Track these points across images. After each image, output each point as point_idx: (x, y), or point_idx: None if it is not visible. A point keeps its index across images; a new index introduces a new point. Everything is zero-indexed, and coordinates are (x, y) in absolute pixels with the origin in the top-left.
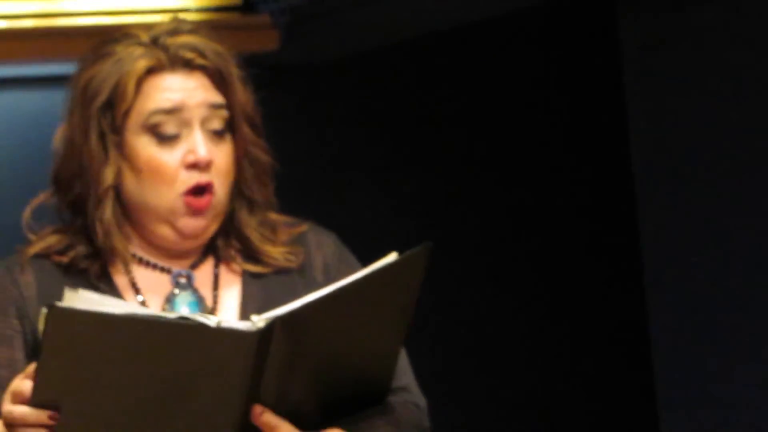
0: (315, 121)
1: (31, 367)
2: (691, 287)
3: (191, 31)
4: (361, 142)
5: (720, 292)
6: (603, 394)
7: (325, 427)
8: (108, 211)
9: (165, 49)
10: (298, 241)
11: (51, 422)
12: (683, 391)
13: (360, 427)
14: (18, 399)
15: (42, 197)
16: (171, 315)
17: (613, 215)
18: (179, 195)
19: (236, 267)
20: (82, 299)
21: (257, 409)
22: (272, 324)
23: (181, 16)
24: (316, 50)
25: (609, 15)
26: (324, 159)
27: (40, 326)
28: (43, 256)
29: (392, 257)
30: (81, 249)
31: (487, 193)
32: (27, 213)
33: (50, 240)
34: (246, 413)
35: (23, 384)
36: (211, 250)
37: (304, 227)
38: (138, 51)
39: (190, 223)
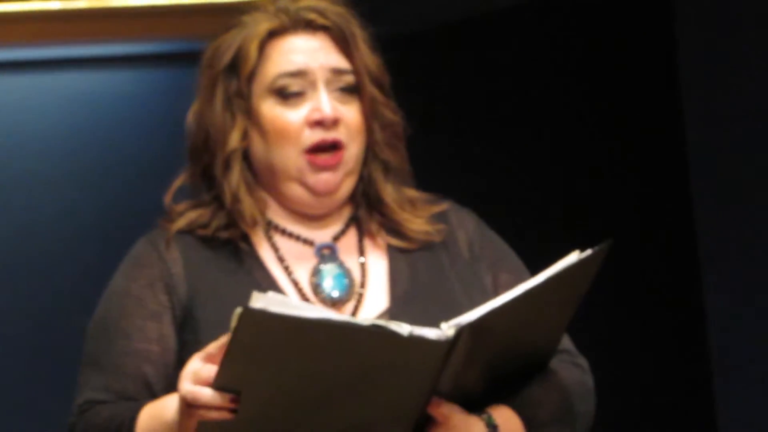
0: None
1: (212, 347)
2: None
3: None
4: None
5: None
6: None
7: (490, 404)
8: (236, 174)
9: (286, 12)
10: (439, 218)
11: (231, 405)
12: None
13: (525, 402)
14: (200, 381)
15: (182, 177)
16: (364, 322)
17: (667, 208)
18: (302, 152)
19: (380, 241)
20: (270, 301)
21: (434, 401)
22: (460, 331)
23: None
24: None
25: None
26: None
27: (232, 323)
28: (185, 231)
29: (574, 256)
30: (221, 219)
31: (534, 182)
32: (170, 193)
33: (191, 215)
34: (424, 407)
35: (206, 368)
36: (353, 221)
37: (445, 205)
38: (260, 17)
39: (321, 179)
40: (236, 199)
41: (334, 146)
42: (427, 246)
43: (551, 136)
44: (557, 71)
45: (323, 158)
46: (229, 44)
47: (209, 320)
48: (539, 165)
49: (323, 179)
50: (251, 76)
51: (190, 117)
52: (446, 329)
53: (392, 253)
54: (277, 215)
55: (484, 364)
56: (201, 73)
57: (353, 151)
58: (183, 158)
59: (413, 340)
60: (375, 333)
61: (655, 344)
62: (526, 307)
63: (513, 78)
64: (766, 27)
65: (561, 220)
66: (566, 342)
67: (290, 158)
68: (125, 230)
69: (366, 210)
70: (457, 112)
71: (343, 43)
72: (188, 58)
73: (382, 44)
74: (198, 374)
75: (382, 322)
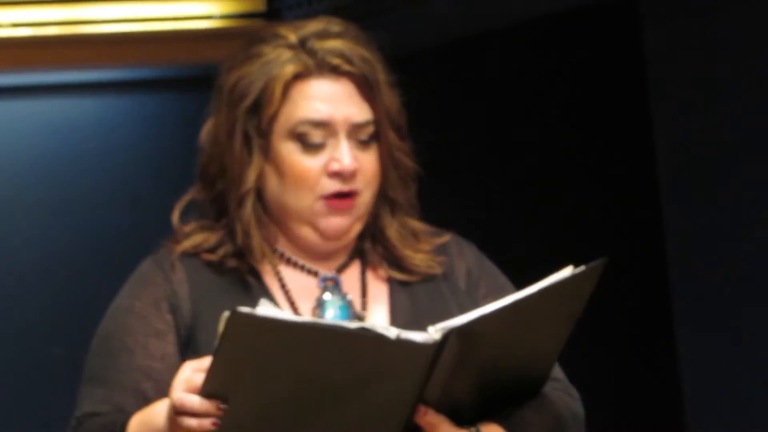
0: None
1: (206, 361)
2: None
3: (339, 35)
4: None
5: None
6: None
7: (481, 421)
8: (248, 211)
9: (312, 54)
10: (440, 250)
11: (218, 412)
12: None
13: (516, 421)
14: (190, 389)
15: (190, 194)
16: (351, 324)
17: (638, 221)
18: (319, 198)
19: (382, 273)
20: (259, 309)
21: (422, 409)
22: (447, 335)
23: (206, 23)
24: None
25: (634, 20)
26: None
27: (220, 327)
28: (191, 254)
29: (568, 271)
30: (228, 247)
31: (500, 191)
32: (176, 212)
33: (198, 238)
34: (410, 414)
35: (195, 376)
36: (357, 254)
37: (447, 237)
38: (286, 54)
39: (332, 223)
40: (247, 234)
41: (348, 195)
42: (428, 278)
43: (519, 160)
44: (528, 95)
45: (338, 202)
46: (251, 80)
47: (211, 343)
48: (510, 192)
49: (335, 224)
50: (273, 117)
51: (204, 137)
52: (433, 333)
53: (393, 285)
54: (284, 246)
55: (474, 375)
56: (217, 98)
57: (366, 197)
58: (153, 183)
59: (400, 342)
60: (362, 335)
61: (628, 377)
62: (516, 318)
63: (488, 101)
64: (735, 42)
65: (533, 245)
66: (558, 371)
67: (305, 202)
68: (98, 256)
69: (370, 243)
70: (434, 134)
71: (367, 89)
72: (163, 85)
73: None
74: (189, 382)
75: (368, 325)
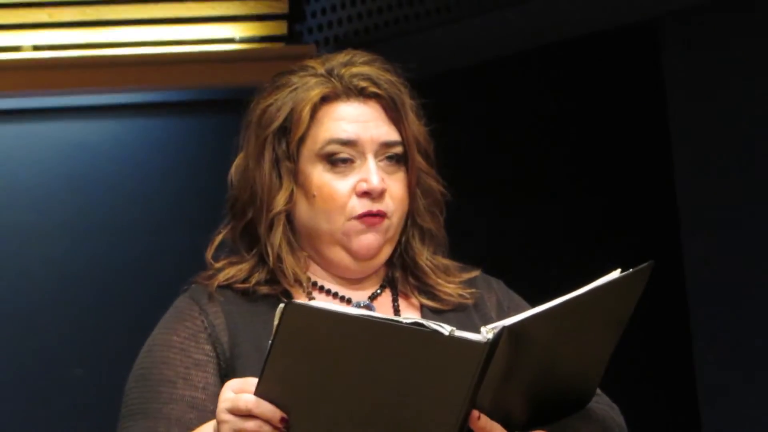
0: None
1: (249, 380)
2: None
3: (365, 62)
4: None
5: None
6: None
7: (531, 430)
8: (279, 235)
9: (339, 79)
10: (469, 283)
11: (278, 414)
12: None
13: (566, 430)
14: (241, 391)
15: (223, 232)
16: (406, 319)
17: (657, 245)
18: (349, 219)
19: (414, 302)
20: (314, 303)
21: (475, 413)
22: (500, 334)
23: (227, 46)
24: None
25: (653, 44)
26: None
27: (275, 322)
28: (224, 286)
29: (616, 274)
30: (261, 275)
31: (516, 216)
32: (210, 249)
33: (230, 271)
34: (465, 418)
35: (248, 381)
36: (388, 283)
37: (476, 272)
38: (313, 81)
39: (363, 241)
40: (279, 258)
41: (377, 215)
42: (460, 307)
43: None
44: (547, 119)
45: (371, 218)
46: (279, 106)
47: (251, 372)
48: (528, 217)
49: (366, 242)
50: (301, 140)
51: (233, 171)
52: (486, 332)
53: (426, 312)
54: (317, 274)
55: (525, 381)
56: (247, 129)
57: (395, 220)
58: (173, 207)
59: (453, 339)
60: (416, 331)
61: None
62: (566, 320)
63: (506, 125)
64: (753, 66)
65: (550, 277)
66: (598, 389)
67: (336, 224)
68: (119, 278)
69: (401, 272)
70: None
71: (394, 112)
72: (184, 108)
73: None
74: (239, 387)
75: (423, 321)
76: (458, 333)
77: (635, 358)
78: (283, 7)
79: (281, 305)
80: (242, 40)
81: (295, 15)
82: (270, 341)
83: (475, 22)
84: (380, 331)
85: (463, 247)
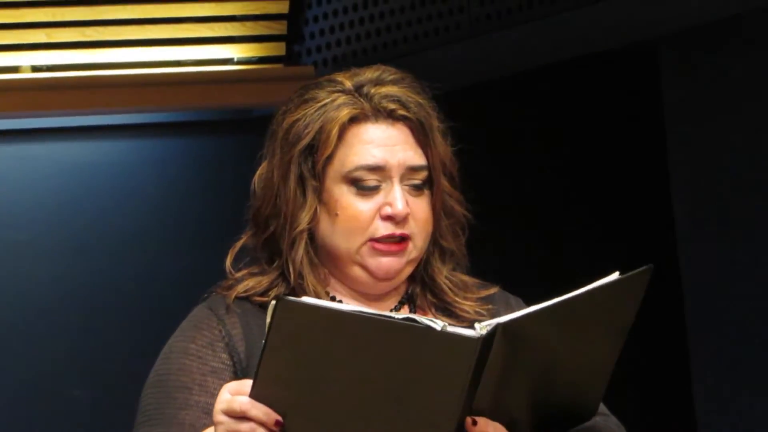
0: None
1: (245, 383)
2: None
3: (395, 82)
4: None
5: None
6: None
7: None
8: (300, 252)
9: (368, 99)
10: (487, 300)
11: (273, 417)
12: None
13: None
14: (237, 393)
15: (244, 239)
16: (398, 315)
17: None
18: (368, 240)
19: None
20: (306, 299)
21: (469, 420)
22: (494, 331)
23: (226, 67)
24: None
25: (653, 66)
26: None
27: (267, 319)
28: (243, 298)
29: (614, 276)
30: (281, 289)
31: (519, 240)
32: (230, 257)
33: (249, 282)
34: (462, 420)
35: (244, 383)
36: (408, 299)
37: (495, 289)
38: (341, 99)
39: (383, 263)
40: (300, 275)
41: (401, 239)
42: (475, 322)
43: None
44: (546, 140)
45: (388, 245)
46: (307, 122)
47: None
48: (529, 241)
49: (385, 264)
50: (328, 159)
51: (257, 180)
52: (479, 328)
53: None
54: (336, 289)
55: (524, 384)
56: (272, 140)
57: (419, 243)
58: (172, 227)
59: (446, 335)
60: (409, 327)
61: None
62: (564, 321)
63: (504, 147)
64: (753, 88)
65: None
66: (601, 406)
67: (354, 244)
68: (118, 298)
69: (420, 289)
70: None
71: (422, 136)
72: (183, 128)
73: None
74: (235, 389)
75: (415, 316)
76: (451, 328)
77: (631, 365)
78: (281, 29)
79: (273, 302)
80: (240, 61)
81: (293, 36)
82: (263, 340)
83: (474, 44)
84: (373, 327)
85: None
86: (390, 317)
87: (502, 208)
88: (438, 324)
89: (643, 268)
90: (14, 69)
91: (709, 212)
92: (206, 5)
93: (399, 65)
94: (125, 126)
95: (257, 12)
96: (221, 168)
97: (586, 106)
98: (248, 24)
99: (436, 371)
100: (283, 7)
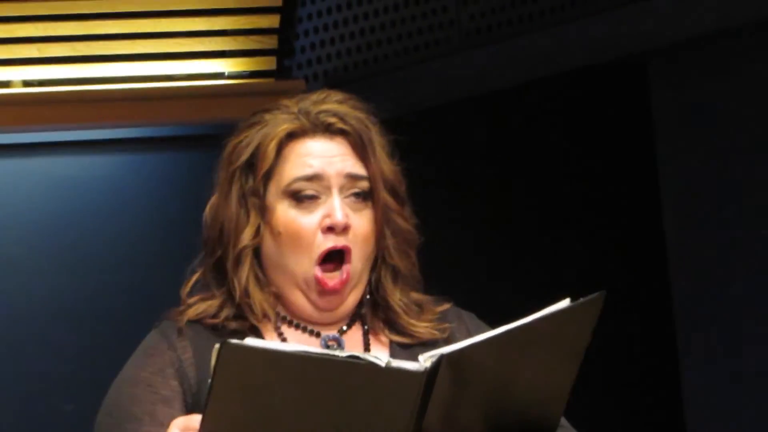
0: None
1: (194, 417)
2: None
3: (337, 100)
4: None
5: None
6: None
7: None
8: (246, 269)
9: (307, 115)
10: (441, 317)
11: None
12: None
13: None
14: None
15: (199, 272)
16: (341, 353)
17: (645, 281)
18: (314, 265)
19: (383, 338)
20: (249, 341)
21: None
22: (438, 362)
23: (217, 81)
24: None
25: (642, 81)
26: None
27: (212, 361)
28: (195, 321)
29: (565, 303)
30: (229, 310)
31: (500, 257)
32: (186, 287)
33: (200, 306)
34: None
35: (192, 419)
36: (359, 317)
37: (448, 305)
38: (282, 117)
39: (324, 299)
40: (246, 293)
41: (342, 253)
42: (429, 341)
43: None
44: (534, 156)
45: (331, 282)
46: (248, 142)
47: None
48: (510, 258)
49: (327, 299)
50: (268, 176)
51: (207, 211)
52: (423, 361)
53: (394, 347)
54: (285, 309)
55: (474, 407)
56: (219, 168)
57: (358, 264)
58: (164, 242)
59: (391, 370)
60: (352, 365)
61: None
62: (512, 349)
63: (491, 162)
64: (743, 102)
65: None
66: (563, 420)
67: (302, 266)
68: (109, 314)
69: (371, 310)
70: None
71: (361, 148)
72: (174, 143)
73: None
74: (185, 426)
75: (359, 354)
76: (395, 363)
77: (620, 373)
78: (272, 43)
79: (216, 345)
80: (231, 76)
81: (284, 50)
82: (210, 380)
83: (465, 58)
84: (317, 366)
85: (454, 279)
86: (334, 356)
87: (491, 221)
88: (382, 360)
89: (595, 294)
90: (5, 84)
91: (699, 224)
92: (197, 20)
93: (390, 79)
94: (117, 140)
95: (248, 26)
96: (212, 183)
97: (575, 120)
98: (239, 38)
99: (382, 405)
100: (274, 22)
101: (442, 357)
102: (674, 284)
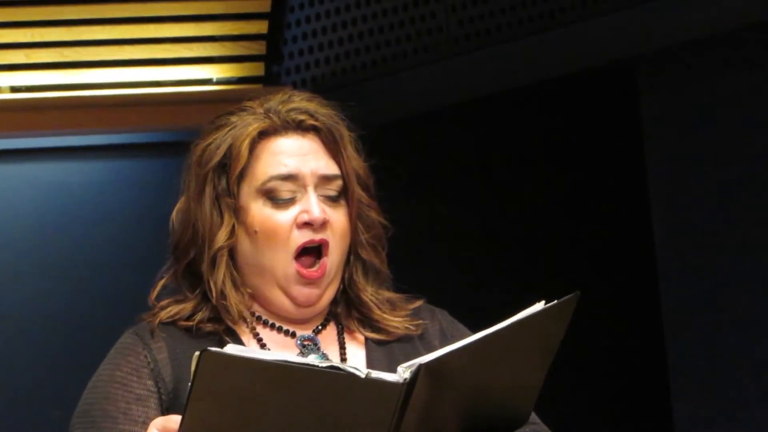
0: None
1: (173, 418)
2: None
3: (303, 98)
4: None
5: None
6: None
7: None
8: (222, 270)
9: (277, 114)
10: (414, 314)
11: None
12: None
13: None
14: None
15: (166, 277)
16: (322, 363)
17: (634, 284)
18: (292, 259)
19: (359, 336)
20: (229, 349)
21: None
22: (417, 372)
23: (205, 87)
24: None
25: (630, 86)
26: None
27: (192, 368)
28: (169, 323)
29: (539, 306)
30: (204, 312)
31: (488, 263)
32: (154, 292)
33: (173, 309)
34: None
35: (171, 419)
36: (333, 316)
37: (420, 302)
38: (251, 118)
39: (303, 291)
40: (222, 295)
41: (320, 248)
42: (404, 338)
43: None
44: (524, 162)
45: (309, 271)
46: (219, 144)
47: None
48: (499, 265)
49: (305, 292)
50: (241, 176)
51: (174, 215)
52: (403, 372)
53: (370, 345)
54: (261, 309)
55: (450, 408)
56: (187, 171)
57: (335, 258)
58: (151, 248)
59: (370, 381)
60: (332, 375)
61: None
62: (488, 353)
63: (481, 168)
64: (731, 107)
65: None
66: (533, 416)
67: (279, 262)
68: (97, 319)
69: (345, 308)
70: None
71: (332, 144)
72: (163, 149)
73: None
74: (164, 428)
75: (339, 364)
76: (375, 374)
77: (609, 379)
78: (260, 49)
79: (197, 353)
80: (220, 82)
81: (272, 56)
82: (189, 384)
83: (454, 64)
84: (297, 376)
85: (442, 286)
86: (314, 366)
87: (480, 225)
88: (362, 371)
89: (570, 295)
90: None
91: (688, 229)
92: (185, 26)
93: (378, 85)
94: (104, 146)
95: (236, 32)
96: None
97: (564, 125)
98: (227, 44)
99: (362, 415)
100: (262, 28)
101: (420, 367)
102: (663, 290)
